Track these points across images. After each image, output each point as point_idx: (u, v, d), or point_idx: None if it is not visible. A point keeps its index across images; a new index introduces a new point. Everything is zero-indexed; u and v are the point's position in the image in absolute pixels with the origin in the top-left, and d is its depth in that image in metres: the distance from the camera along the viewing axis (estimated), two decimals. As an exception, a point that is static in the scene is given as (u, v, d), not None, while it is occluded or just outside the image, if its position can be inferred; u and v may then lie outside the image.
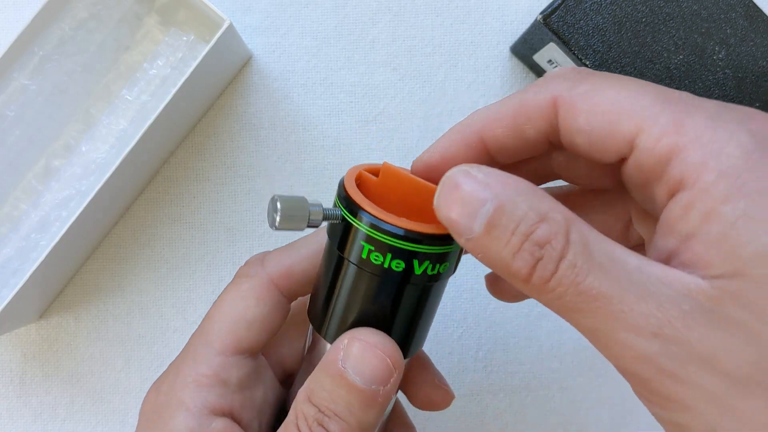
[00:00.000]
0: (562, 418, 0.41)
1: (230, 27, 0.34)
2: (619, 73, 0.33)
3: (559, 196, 0.26)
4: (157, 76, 0.37)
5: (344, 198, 0.23)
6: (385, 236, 0.22)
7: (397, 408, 0.31)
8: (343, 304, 0.24)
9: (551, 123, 0.21)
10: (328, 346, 0.25)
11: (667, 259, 0.19)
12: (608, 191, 0.25)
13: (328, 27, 0.40)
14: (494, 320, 0.41)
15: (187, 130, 0.40)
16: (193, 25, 0.37)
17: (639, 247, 0.25)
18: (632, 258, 0.18)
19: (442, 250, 0.23)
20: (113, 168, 0.33)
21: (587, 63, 0.33)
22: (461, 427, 0.41)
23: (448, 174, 0.20)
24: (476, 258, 0.20)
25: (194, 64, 0.33)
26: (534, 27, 0.35)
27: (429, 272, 0.23)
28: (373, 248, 0.22)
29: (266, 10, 0.40)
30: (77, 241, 0.36)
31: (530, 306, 0.41)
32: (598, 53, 0.33)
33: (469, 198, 0.19)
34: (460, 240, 0.20)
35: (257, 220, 0.40)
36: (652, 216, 0.22)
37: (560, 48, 0.34)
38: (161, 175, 0.40)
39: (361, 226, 0.22)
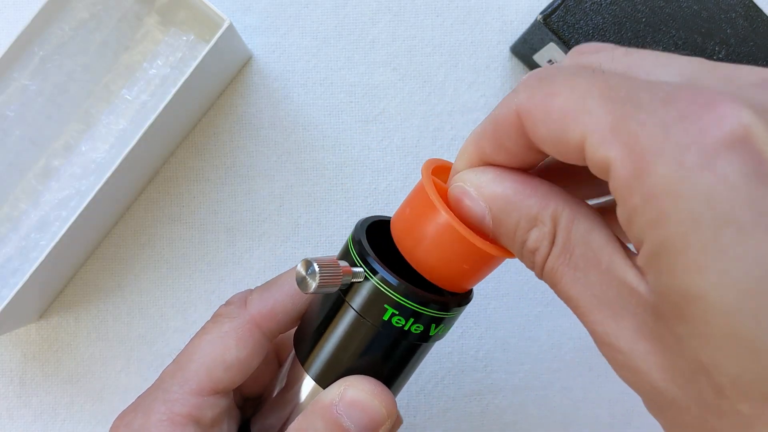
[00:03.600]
0: (562, 418, 0.41)
1: (230, 27, 0.34)
2: (619, 73, 0.33)
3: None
4: (157, 76, 0.37)
5: (367, 263, 0.23)
6: (413, 304, 0.23)
7: None
8: (339, 349, 0.24)
9: (524, 135, 0.20)
10: (312, 384, 0.25)
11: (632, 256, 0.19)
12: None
13: (328, 27, 0.40)
14: (494, 320, 0.41)
15: (187, 130, 0.40)
16: (193, 25, 0.37)
17: None
18: (605, 256, 0.19)
19: (458, 313, 0.24)
20: (113, 168, 0.33)
21: (587, 63, 0.33)
22: (461, 427, 0.41)
23: (450, 190, 0.22)
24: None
25: (194, 64, 0.33)
26: (534, 27, 0.35)
27: (441, 333, 0.24)
28: (396, 312, 0.23)
29: (266, 10, 0.40)
30: (77, 241, 0.36)
31: (530, 306, 0.41)
32: (598, 53, 0.33)
33: (471, 214, 0.21)
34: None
35: (257, 220, 0.40)
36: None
37: (560, 48, 0.34)
38: (161, 175, 0.40)
39: (388, 291, 0.23)
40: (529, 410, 0.41)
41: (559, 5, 0.33)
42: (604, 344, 0.19)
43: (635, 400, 0.20)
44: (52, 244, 0.33)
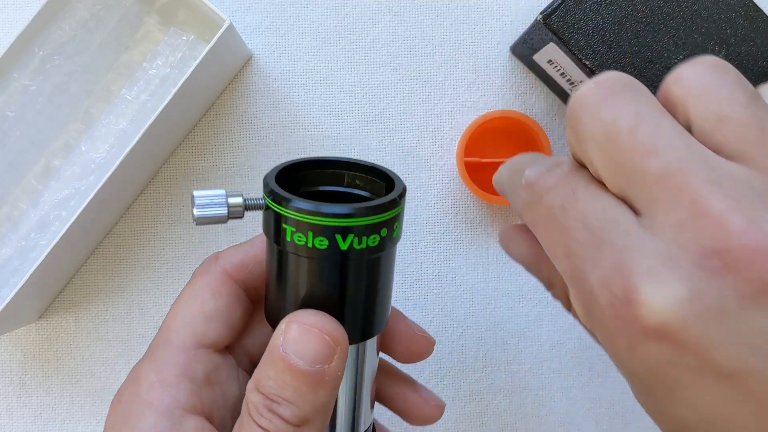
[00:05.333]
0: (562, 418, 0.41)
1: (230, 27, 0.34)
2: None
3: None
4: (157, 76, 0.37)
5: (266, 186, 0.23)
6: (302, 215, 0.22)
7: (385, 366, 0.31)
8: (286, 293, 0.24)
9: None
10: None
11: None
12: None
13: (328, 27, 0.40)
14: (494, 320, 0.41)
15: (187, 130, 0.40)
16: (193, 24, 0.37)
17: None
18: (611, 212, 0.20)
19: (364, 221, 0.22)
20: (113, 168, 0.33)
21: (587, 63, 0.33)
22: (461, 427, 0.41)
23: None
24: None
25: (194, 64, 0.33)
26: (534, 27, 0.35)
27: (357, 246, 0.22)
28: (294, 229, 0.22)
29: (266, 10, 0.40)
30: (77, 241, 0.36)
31: (530, 306, 0.41)
32: (598, 53, 0.33)
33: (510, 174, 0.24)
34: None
35: (257, 220, 0.40)
36: None
37: (560, 48, 0.34)
38: (161, 175, 0.40)
39: (279, 209, 0.22)
40: (529, 410, 0.41)
41: (559, 5, 0.33)
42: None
43: (635, 400, 0.20)
44: (52, 244, 0.33)
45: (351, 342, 0.24)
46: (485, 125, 0.39)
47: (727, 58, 0.33)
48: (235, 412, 0.27)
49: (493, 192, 0.39)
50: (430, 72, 0.40)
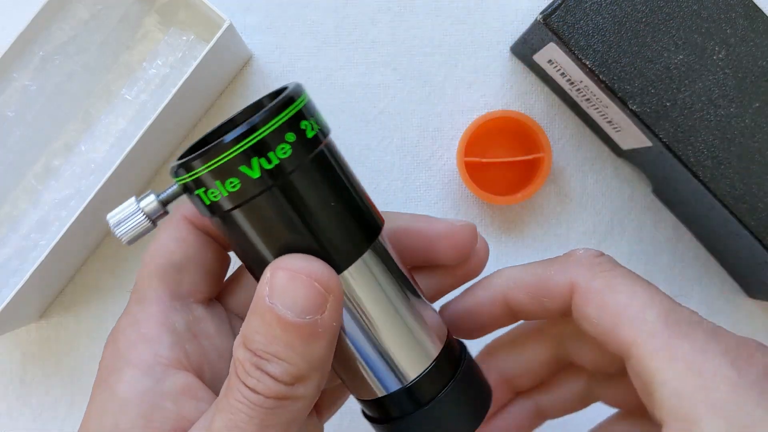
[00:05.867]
0: (562, 418, 0.41)
1: (230, 27, 0.34)
2: (619, 72, 0.33)
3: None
4: (157, 76, 0.37)
5: (171, 170, 0.22)
6: (199, 170, 0.20)
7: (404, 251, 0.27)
8: (257, 254, 0.21)
9: (566, 302, 0.24)
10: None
11: None
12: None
13: (328, 27, 0.40)
14: (494, 320, 0.41)
15: (187, 130, 0.40)
16: (193, 25, 0.37)
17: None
18: None
19: (254, 138, 0.19)
20: (113, 168, 0.33)
21: (587, 63, 0.33)
22: (461, 427, 0.41)
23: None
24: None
25: (194, 64, 0.33)
26: (534, 27, 0.35)
27: (268, 166, 0.20)
28: (207, 188, 0.20)
29: (266, 10, 0.40)
30: (77, 241, 0.36)
31: (530, 306, 0.41)
32: (598, 53, 0.33)
33: None
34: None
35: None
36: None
37: (560, 48, 0.34)
38: (161, 175, 0.40)
39: (185, 179, 0.21)
40: (529, 410, 0.41)
41: (559, 5, 0.33)
42: None
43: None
44: (52, 244, 0.33)
45: (350, 260, 0.21)
46: (485, 125, 0.39)
47: (727, 58, 0.33)
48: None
49: (494, 192, 0.39)
50: (430, 72, 0.40)
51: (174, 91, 0.33)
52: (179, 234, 0.24)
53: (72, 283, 0.40)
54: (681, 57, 0.33)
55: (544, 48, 0.36)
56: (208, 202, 0.21)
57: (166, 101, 0.33)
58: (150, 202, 0.22)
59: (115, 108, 0.37)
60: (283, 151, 0.20)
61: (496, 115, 0.39)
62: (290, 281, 0.20)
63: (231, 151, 0.20)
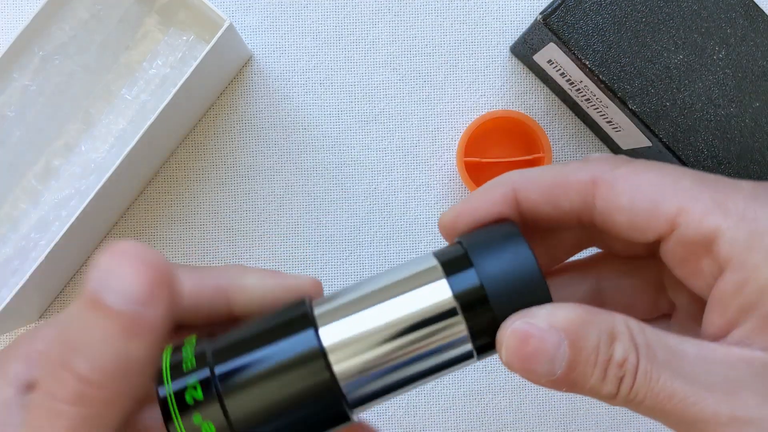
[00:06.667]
0: (562, 418, 0.41)
1: (230, 27, 0.34)
2: (619, 72, 0.33)
3: (589, 261, 0.26)
4: (157, 76, 0.37)
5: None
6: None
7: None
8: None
9: (586, 201, 0.22)
10: None
11: (722, 334, 0.20)
12: (640, 257, 0.25)
13: (328, 27, 0.40)
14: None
15: (187, 130, 0.40)
16: (193, 25, 0.37)
17: (668, 314, 0.25)
18: (690, 346, 0.19)
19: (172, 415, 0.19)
20: (113, 168, 0.33)
21: (587, 63, 0.33)
22: (461, 427, 0.41)
23: (512, 328, 0.20)
24: (560, 390, 0.20)
25: (194, 64, 0.33)
26: (534, 27, 0.35)
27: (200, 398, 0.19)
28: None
29: (266, 10, 0.40)
30: (77, 241, 0.36)
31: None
32: (598, 53, 0.33)
33: (543, 347, 0.19)
34: (539, 381, 0.20)
35: (257, 220, 0.40)
36: (686, 286, 0.22)
37: (560, 48, 0.34)
38: (161, 175, 0.40)
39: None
40: (528, 410, 0.41)
41: (559, 5, 0.33)
42: (725, 425, 0.19)
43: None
44: (52, 244, 0.33)
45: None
46: (485, 125, 0.39)
47: (727, 58, 0.33)
48: None
49: None
50: (430, 72, 0.40)
51: (174, 91, 0.33)
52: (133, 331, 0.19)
53: (72, 283, 0.40)
54: (681, 57, 0.33)
55: (544, 48, 0.36)
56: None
57: (166, 101, 0.33)
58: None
59: (115, 108, 0.37)
60: (195, 394, 0.19)
61: (496, 115, 0.39)
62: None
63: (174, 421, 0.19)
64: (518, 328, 0.20)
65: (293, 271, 0.40)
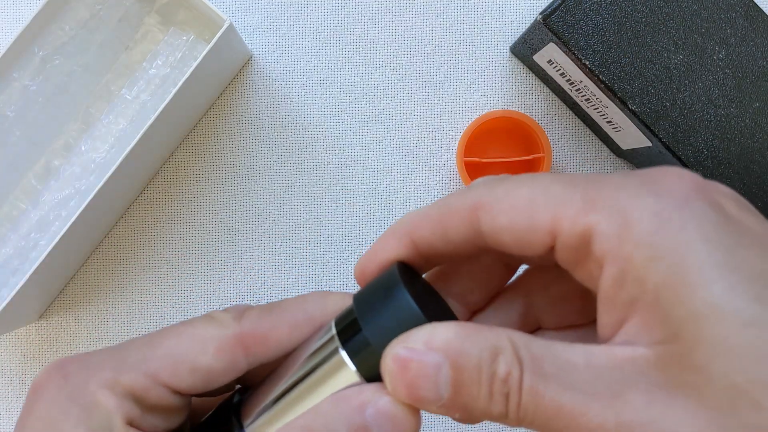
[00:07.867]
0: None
1: (230, 27, 0.34)
2: (619, 72, 0.33)
3: (518, 280, 0.26)
4: (157, 76, 0.37)
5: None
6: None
7: None
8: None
9: (473, 227, 0.21)
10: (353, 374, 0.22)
11: (612, 334, 0.19)
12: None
13: (328, 27, 0.40)
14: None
15: (187, 130, 0.40)
16: (193, 25, 0.37)
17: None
18: (578, 355, 0.18)
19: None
20: (113, 168, 0.33)
21: (587, 63, 0.33)
22: (461, 427, 0.41)
23: (392, 355, 0.20)
24: (456, 419, 0.20)
25: (194, 64, 0.33)
26: (534, 27, 0.35)
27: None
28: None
29: (266, 10, 0.40)
30: (77, 241, 0.36)
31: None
32: (598, 53, 0.33)
33: (424, 370, 0.19)
34: (430, 409, 0.19)
35: (257, 220, 0.40)
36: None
37: (560, 48, 0.34)
38: (161, 175, 0.40)
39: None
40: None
41: (559, 5, 0.33)
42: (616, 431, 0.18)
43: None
44: (52, 244, 0.33)
45: None
46: (485, 125, 0.39)
47: (727, 58, 0.33)
48: None
49: None
50: (430, 72, 0.40)
51: (174, 91, 0.33)
52: (223, 345, 0.24)
53: (72, 283, 0.40)
54: (681, 57, 0.33)
55: (544, 48, 0.36)
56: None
57: (166, 101, 0.33)
58: None
59: (115, 108, 0.37)
60: None
61: (496, 115, 0.39)
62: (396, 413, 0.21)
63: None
64: (397, 353, 0.19)
65: (293, 271, 0.40)
